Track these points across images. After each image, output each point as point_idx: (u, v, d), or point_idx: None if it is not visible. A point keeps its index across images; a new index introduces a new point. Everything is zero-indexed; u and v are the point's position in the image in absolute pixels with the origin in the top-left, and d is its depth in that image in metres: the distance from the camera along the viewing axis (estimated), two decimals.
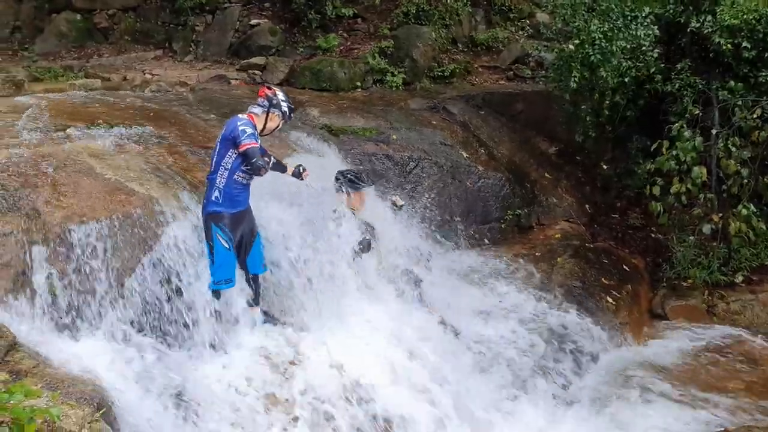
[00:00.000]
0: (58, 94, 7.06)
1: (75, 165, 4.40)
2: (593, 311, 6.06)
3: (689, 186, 6.44)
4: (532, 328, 5.64)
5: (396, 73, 9.42)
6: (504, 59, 10.52)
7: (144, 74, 9.17)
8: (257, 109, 4.56)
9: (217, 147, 4.36)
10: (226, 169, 4.26)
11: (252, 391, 3.95)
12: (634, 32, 7.19)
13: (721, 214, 6.66)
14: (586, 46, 7.34)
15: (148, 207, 4.19)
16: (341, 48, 10.09)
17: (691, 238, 6.91)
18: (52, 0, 10.78)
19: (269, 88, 4.69)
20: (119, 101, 6.81)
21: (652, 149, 6.88)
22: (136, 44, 10.63)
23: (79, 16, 10.80)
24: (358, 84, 9.22)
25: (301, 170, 4.84)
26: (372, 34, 10.48)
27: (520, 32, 11.01)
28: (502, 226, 7.70)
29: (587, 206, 8.23)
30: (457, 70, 9.92)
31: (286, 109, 4.60)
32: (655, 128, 7.40)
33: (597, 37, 7.22)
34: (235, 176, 4.29)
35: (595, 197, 8.43)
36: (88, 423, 2.68)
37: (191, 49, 10.38)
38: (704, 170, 6.45)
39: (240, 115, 4.40)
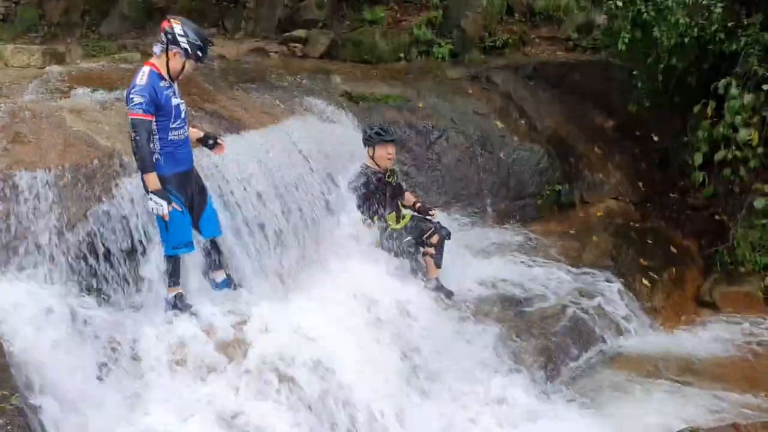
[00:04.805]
0: (89, 65, 7.22)
1: (48, 118, 4.40)
2: (620, 292, 5.36)
3: (737, 153, 5.48)
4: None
5: (443, 44, 8.88)
6: (565, 29, 9.66)
7: None
8: (157, 48, 3.94)
9: None
10: (153, 134, 3.89)
11: (196, 351, 3.73)
12: None
13: None
14: (637, 1, 6.50)
15: (106, 160, 4.09)
16: (389, 21, 9.71)
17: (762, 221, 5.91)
18: None
19: (168, 21, 3.92)
20: None
21: (695, 111, 5.96)
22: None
23: None
24: (402, 55, 8.79)
25: (212, 143, 4.23)
26: (424, 5, 10.01)
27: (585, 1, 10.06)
28: (539, 202, 7.04)
29: (640, 183, 7.35)
30: (511, 41, 9.18)
31: (187, 46, 3.84)
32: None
33: None
34: (169, 136, 3.96)
35: (651, 174, 7.51)
36: None
37: (242, 26, 10.45)
38: (754, 133, 5.43)
39: (138, 75, 3.85)
